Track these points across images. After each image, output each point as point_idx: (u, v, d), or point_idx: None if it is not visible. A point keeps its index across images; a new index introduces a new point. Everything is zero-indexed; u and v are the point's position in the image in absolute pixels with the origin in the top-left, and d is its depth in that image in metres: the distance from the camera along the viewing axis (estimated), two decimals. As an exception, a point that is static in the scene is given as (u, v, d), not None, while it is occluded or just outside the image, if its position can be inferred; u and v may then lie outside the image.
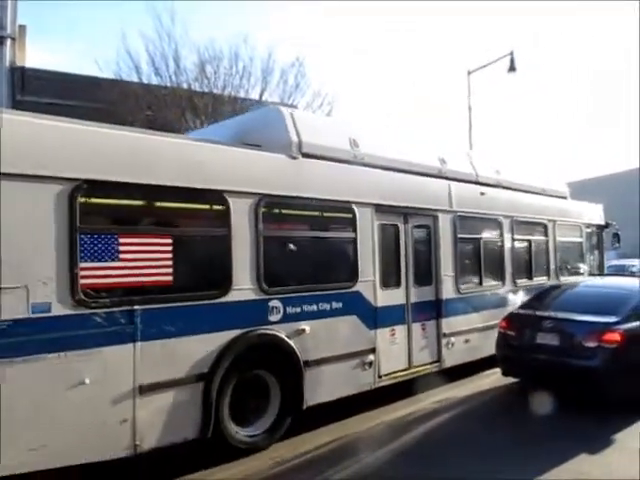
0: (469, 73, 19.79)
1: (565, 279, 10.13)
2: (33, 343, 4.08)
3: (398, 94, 73.46)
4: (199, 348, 5.00)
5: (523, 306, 7.99)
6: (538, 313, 7.30)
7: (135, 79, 17.03)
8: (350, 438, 5.73)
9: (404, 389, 7.06)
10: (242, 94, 17.38)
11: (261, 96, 17.90)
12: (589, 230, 11.64)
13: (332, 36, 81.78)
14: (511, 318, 7.51)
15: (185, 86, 17.08)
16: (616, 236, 12.91)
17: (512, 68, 18.49)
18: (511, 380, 7.56)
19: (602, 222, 12.17)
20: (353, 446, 5.53)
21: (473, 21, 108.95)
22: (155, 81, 17.12)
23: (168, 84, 16.98)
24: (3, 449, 3.91)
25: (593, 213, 11.97)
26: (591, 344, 6.37)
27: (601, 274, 11.75)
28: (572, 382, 6.49)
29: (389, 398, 6.82)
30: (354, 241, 6.53)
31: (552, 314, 7.13)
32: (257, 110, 6.91)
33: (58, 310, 4.21)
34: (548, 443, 5.42)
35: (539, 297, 8.14)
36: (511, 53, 18.50)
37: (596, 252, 12.15)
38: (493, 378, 7.90)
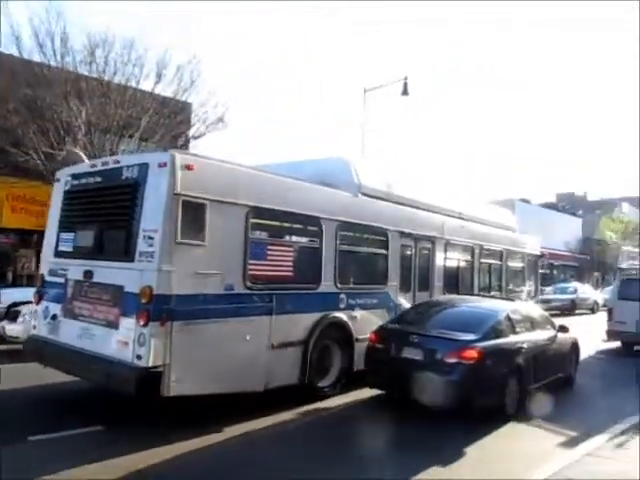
0: (365, 91, 20.83)
1: (514, 295, 12.69)
2: (223, 310, 6.33)
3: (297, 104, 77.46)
4: (304, 322, 7.45)
5: (392, 321, 8.28)
6: (405, 328, 7.60)
7: (15, 53, 15.25)
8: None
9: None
10: (133, 83, 16.32)
11: (154, 89, 17.03)
12: (529, 258, 14.51)
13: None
14: (380, 332, 7.72)
15: (71, 68, 15.45)
16: (544, 263, 16.37)
17: (405, 92, 19.89)
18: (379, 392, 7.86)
19: (539, 252, 15.15)
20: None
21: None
22: (38, 59, 15.38)
23: (53, 63, 15.28)
24: (198, 377, 6.11)
25: (533, 243, 14.92)
26: (451, 360, 6.69)
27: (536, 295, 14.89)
28: (432, 396, 6.63)
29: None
30: (386, 256, 9.17)
31: (418, 330, 7.41)
32: (328, 159, 9.05)
33: (238, 290, 6.51)
34: (404, 455, 5.63)
35: (408, 313, 8.54)
36: (405, 78, 19.89)
37: (533, 276, 15.00)
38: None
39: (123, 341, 5.91)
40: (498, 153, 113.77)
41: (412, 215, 9.91)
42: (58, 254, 7.28)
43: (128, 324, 5.90)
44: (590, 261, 48.29)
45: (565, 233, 45.30)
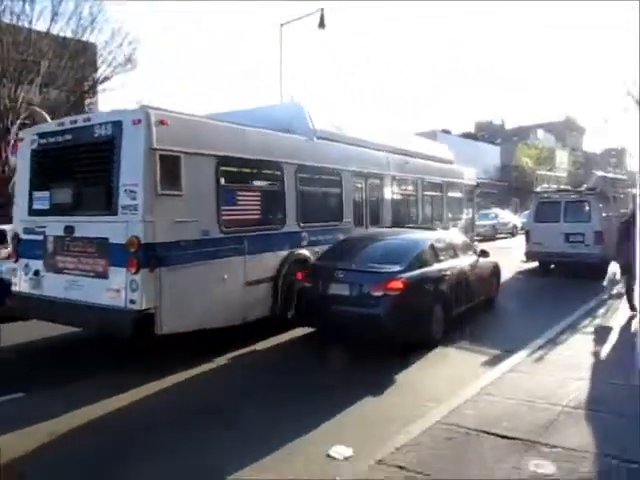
0: (282, 25, 20.50)
1: (455, 223, 14.15)
2: (202, 254, 6.91)
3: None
4: (272, 260, 8.16)
5: (320, 257, 8.34)
6: (332, 264, 7.62)
7: None
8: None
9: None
10: (26, 24, 15.38)
11: (49, 28, 16.08)
12: (467, 188, 15.69)
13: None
14: (307, 269, 7.84)
15: None
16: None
17: (322, 24, 19.38)
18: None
19: (475, 182, 16.42)
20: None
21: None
22: None
23: None
24: (185, 316, 6.68)
25: (470, 174, 16.14)
26: (377, 292, 6.79)
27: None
28: (362, 329, 6.92)
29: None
30: (341, 195, 9.90)
31: (345, 265, 7.50)
32: (283, 105, 9.73)
33: (214, 235, 7.10)
34: (338, 389, 5.78)
35: (335, 249, 8.50)
36: (321, 9, 19.43)
37: (470, 205, 16.13)
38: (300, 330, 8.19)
39: (114, 289, 6.39)
40: (419, 85, 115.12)
41: (361, 154, 10.63)
42: (33, 212, 7.50)
43: (118, 273, 6.37)
44: (508, 187, 51.45)
45: (485, 161, 47.77)
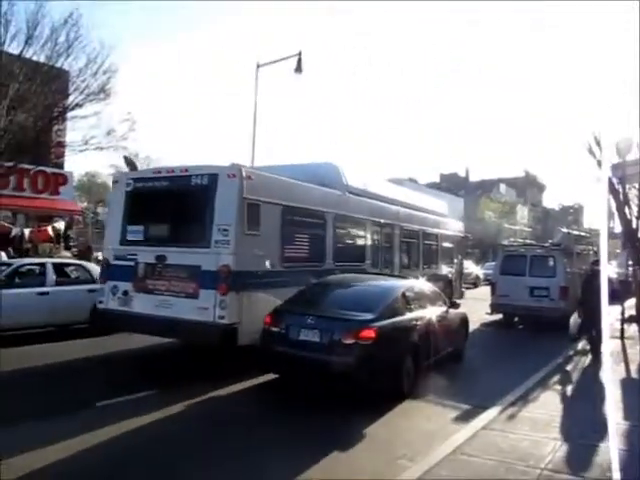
0: (258, 66, 19.57)
1: (448, 268, 16.25)
2: (269, 282, 8.32)
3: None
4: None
5: (288, 302, 7.92)
6: (301, 309, 7.41)
7: None
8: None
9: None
10: None
11: (22, 52, 15.68)
12: (457, 239, 17.49)
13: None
14: (275, 314, 7.49)
15: None
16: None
17: (298, 69, 18.73)
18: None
19: (463, 234, 18.31)
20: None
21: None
22: None
23: None
24: (254, 332, 7.51)
25: (459, 227, 18.27)
26: (349, 341, 6.59)
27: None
28: (331, 378, 6.66)
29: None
30: (364, 240, 11.88)
31: (315, 311, 7.32)
32: (322, 164, 11.67)
33: (277, 268, 8.66)
34: (303, 442, 5.52)
35: (304, 293, 8.21)
36: (299, 54, 18.71)
37: (460, 254, 18.00)
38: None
39: (204, 307, 7.76)
40: (387, 134, 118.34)
41: (380, 208, 12.56)
42: (125, 242, 8.90)
43: (208, 294, 7.78)
44: (471, 239, 52.36)
45: (449, 212, 48.60)
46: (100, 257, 20.94)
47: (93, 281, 11.35)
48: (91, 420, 5.98)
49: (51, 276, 10.88)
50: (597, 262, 12.57)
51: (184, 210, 8.49)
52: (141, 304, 8.41)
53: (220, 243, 7.80)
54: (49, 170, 21.58)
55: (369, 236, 11.90)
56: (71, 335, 10.80)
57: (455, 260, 17.19)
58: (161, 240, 8.52)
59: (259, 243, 8.19)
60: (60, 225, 20.94)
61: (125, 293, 8.57)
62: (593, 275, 10.37)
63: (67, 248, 21.04)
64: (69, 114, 17.60)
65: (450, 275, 16.54)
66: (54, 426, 5.73)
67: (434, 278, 13.84)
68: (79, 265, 12.41)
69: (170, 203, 8.53)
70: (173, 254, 8.23)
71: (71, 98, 17.14)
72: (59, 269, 11.47)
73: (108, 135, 17.86)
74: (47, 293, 10.52)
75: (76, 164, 28.39)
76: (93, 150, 18.11)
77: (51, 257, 15.29)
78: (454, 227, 17.59)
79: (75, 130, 18.64)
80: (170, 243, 8.39)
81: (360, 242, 11.74)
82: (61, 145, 20.22)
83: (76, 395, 6.96)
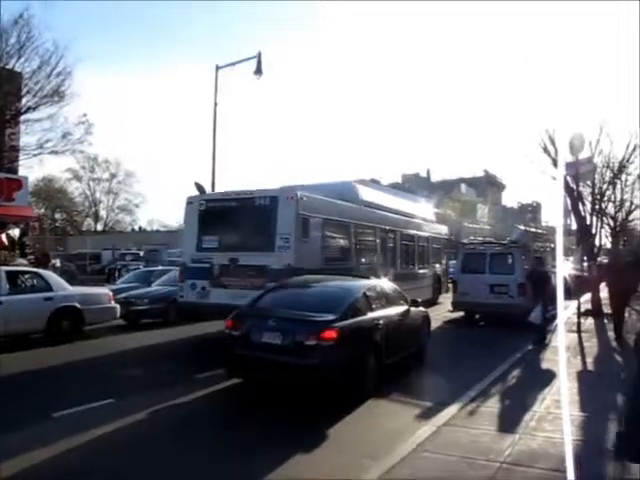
0: (218, 68, 19.13)
1: (437, 266, 19.86)
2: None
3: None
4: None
5: (249, 305, 7.94)
6: (263, 312, 7.40)
7: None
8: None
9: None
10: None
11: None
12: (443, 241, 21.00)
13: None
14: (236, 317, 7.36)
15: None
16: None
17: (258, 71, 18.36)
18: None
19: (447, 236, 21.70)
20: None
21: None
22: None
23: None
24: None
25: (445, 230, 21.58)
26: (311, 342, 6.57)
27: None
28: (294, 380, 6.68)
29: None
30: (375, 243, 14.69)
31: (276, 313, 7.23)
32: (343, 182, 15.27)
33: (320, 265, 11.07)
34: (268, 445, 5.49)
35: (265, 296, 8.13)
36: (258, 55, 18.42)
37: (445, 254, 21.36)
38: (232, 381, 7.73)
39: None
40: (349, 135, 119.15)
41: (386, 216, 15.63)
42: (201, 249, 11.39)
43: None
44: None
45: (412, 212, 49.22)
46: (58, 264, 20.73)
47: (50, 289, 11.06)
48: (48, 431, 5.81)
49: (4, 285, 10.51)
50: (540, 260, 13.31)
51: (250, 223, 10.97)
52: (217, 296, 10.73)
53: (283, 248, 10.46)
54: (2, 175, 20.76)
55: (378, 241, 14.73)
56: (26, 345, 10.53)
57: (442, 259, 20.77)
58: (232, 247, 10.97)
59: (309, 247, 10.91)
60: (15, 232, 20.32)
61: (203, 288, 10.97)
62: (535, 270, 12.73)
63: (23, 255, 20.45)
64: (22, 117, 17.06)
65: (439, 272, 20.15)
66: (5, 439, 5.47)
67: (427, 275, 18.78)
68: (35, 273, 12.00)
69: (238, 218, 11.07)
70: (244, 257, 10.68)
71: (24, 101, 16.62)
72: (13, 277, 11.10)
73: (64, 138, 17.47)
74: (0, 302, 10.16)
75: (32, 170, 27.41)
76: (48, 154, 17.67)
77: (6, 265, 14.77)
78: (440, 230, 21.09)
79: (29, 134, 18.16)
80: (240, 249, 10.85)
81: (371, 245, 14.44)
82: (14, 149, 19.65)
83: (30, 406, 6.73)
